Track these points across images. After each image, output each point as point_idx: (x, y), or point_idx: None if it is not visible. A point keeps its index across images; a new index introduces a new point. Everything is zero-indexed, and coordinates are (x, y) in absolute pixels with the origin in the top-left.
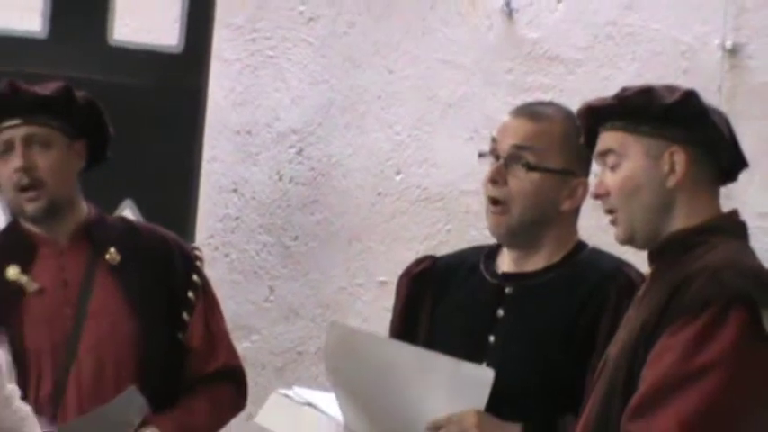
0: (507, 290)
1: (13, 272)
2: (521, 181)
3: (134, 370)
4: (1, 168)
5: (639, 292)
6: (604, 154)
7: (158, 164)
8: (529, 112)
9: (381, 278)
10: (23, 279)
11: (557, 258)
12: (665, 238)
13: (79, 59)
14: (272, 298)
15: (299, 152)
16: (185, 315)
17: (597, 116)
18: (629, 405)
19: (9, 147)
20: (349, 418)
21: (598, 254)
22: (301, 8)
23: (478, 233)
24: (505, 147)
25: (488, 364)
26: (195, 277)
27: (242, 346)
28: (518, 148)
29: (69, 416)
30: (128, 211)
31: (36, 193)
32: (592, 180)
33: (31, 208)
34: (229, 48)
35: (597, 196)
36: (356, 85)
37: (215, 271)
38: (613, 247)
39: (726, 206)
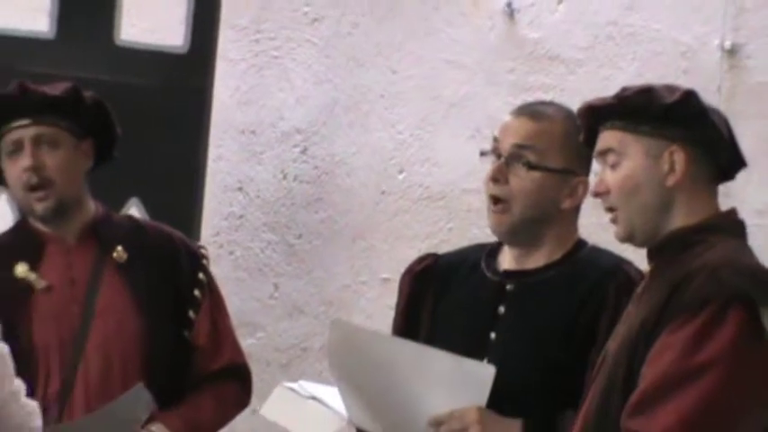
0: (508, 287)
1: (21, 269)
2: (522, 180)
3: (141, 367)
4: (10, 168)
5: (639, 289)
6: (604, 153)
7: (164, 162)
8: (530, 111)
9: (384, 275)
10: (32, 277)
11: (557, 256)
12: (664, 237)
13: (86, 60)
14: (276, 295)
15: (304, 151)
16: (191, 313)
17: (597, 115)
18: (628, 402)
19: (18, 146)
20: (353, 412)
21: (598, 252)
22: (305, 9)
23: (480, 231)
24: (507, 146)
25: (489, 361)
26: (201, 275)
27: (247, 342)
28: (519, 147)
29: (77, 413)
30: (134, 210)
31: (45, 193)
32: (592, 179)
33: (40, 207)
34: (234, 48)
35: (597, 194)
36: (360, 85)
37: (220, 268)
38: (613, 244)
39: (724, 204)
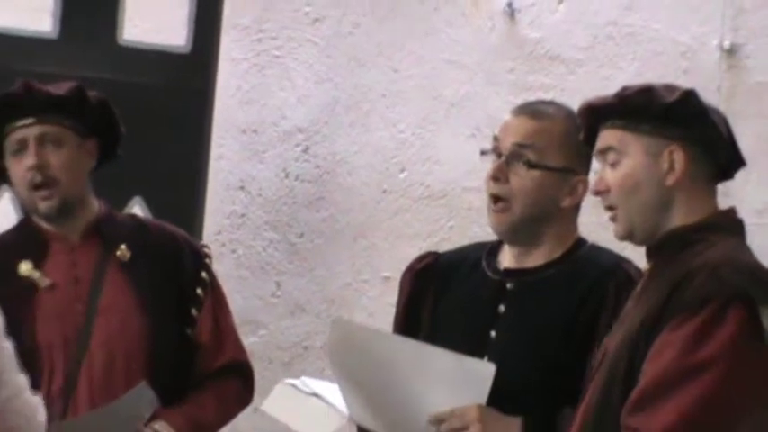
0: (508, 286)
1: (25, 267)
2: (522, 178)
3: (144, 365)
4: (15, 167)
5: (638, 288)
6: (604, 151)
7: (167, 162)
8: (530, 110)
9: (386, 274)
10: (36, 275)
11: (557, 255)
12: (663, 235)
13: (89, 59)
14: (278, 293)
15: (305, 150)
16: (194, 311)
17: (598, 114)
18: (629, 399)
19: (23, 145)
20: (354, 410)
21: (597, 250)
22: (307, 9)
23: (480, 230)
24: (507, 145)
25: (489, 359)
26: (204, 274)
27: (249, 340)
28: (519, 146)
29: (80, 410)
30: (137, 209)
31: (49, 192)
32: (592, 178)
33: (44, 206)
34: (236, 48)
35: (597, 192)
36: (361, 85)
37: (222, 267)
38: (613, 243)
39: (723, 203)
